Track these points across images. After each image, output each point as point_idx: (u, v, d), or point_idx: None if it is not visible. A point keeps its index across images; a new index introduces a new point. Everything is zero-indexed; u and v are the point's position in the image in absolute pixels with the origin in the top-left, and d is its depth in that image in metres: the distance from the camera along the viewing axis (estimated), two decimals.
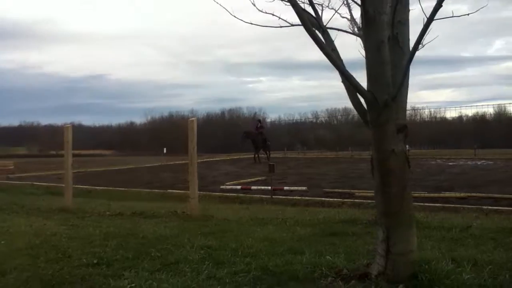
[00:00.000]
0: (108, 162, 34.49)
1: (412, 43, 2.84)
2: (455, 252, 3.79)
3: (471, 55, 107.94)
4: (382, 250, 3.04)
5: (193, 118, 6.90)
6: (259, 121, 30.89)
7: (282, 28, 3.30)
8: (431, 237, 4.66)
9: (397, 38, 2.99)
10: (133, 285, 3.12)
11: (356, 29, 3.47)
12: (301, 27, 2.92)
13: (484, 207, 8.77)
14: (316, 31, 2.94)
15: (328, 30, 3.44)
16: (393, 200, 2.97)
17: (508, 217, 6.77)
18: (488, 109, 72.45)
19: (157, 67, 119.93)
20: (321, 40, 2.80)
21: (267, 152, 27.97)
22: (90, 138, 69.30)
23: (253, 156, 27.29)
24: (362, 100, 3.04)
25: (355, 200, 10.23)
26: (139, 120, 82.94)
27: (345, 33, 3.50)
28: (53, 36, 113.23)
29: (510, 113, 69.37)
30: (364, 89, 2.87)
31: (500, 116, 75.12)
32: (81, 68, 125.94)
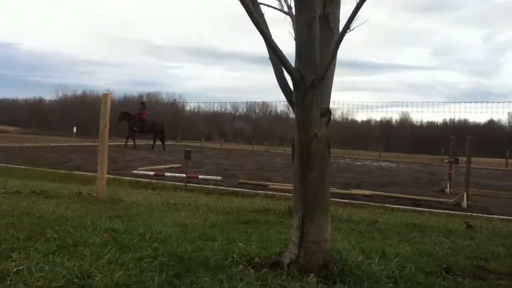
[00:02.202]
0: (11, 139, 31.90)
1: (342, 25, 2.79)
2: (364, 244, 3.86)
3: (383, 62, 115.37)
4: (296, 237, 2.97)
5: (107, 92, 6.44)
6: (142, 103, 28.41)
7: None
8: (341, 229, 4.75)
9: (327, 18, 2.91)
10: (21, 267, 2.75)
11: (286, 8, 3.36)
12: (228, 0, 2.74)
13: (387, 205, 9.24)
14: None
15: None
16: (311, 186, 2.91)
17: (410, 215, 7.16)
18: (394, 115, 77.69)
19: (74, 41, 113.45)
20: (251, 7, 2.62)
21: (155, 139, 26.23)
22: None
23: (152, 143, 26.13)
24: (288, 80, 2.94)
25: (269, 192, 10.32)
26: (48, 96, 77.85)
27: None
28: None
29: (413, 121, 75.20)
30: (292, 66, 2.77)
31: (404, 123, 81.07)
32: None
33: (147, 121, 25.68)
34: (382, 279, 2.83)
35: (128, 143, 25.63)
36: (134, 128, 25.20)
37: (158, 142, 26.31)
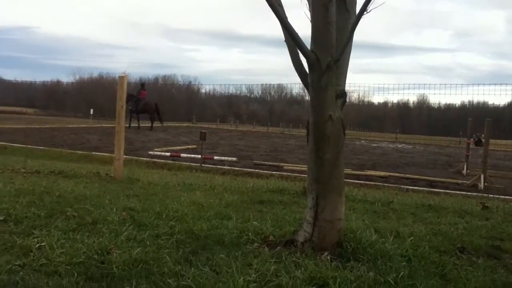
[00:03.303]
0: (29, 120, 32.39)
1: (359, 7, 2.76)
2: (378, 224, 3.88)
3: (402, 44, 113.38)
4: (310, 217, 3.00)
5: (124, 75, 6.49)
6: (142, 85, 28.03)
7: None
8: (355, 209, 4.76)
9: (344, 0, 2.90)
10: (42, 244, 2.84)
11: None
12: None
13: (403, 186, 9.20)
14: None
15: None
16: (326, 167, 2.93)
17: (425, 196, 7.13)
18: (411, 97, 76.71)
19: (91, 24, 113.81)
20: None
21: (152, 118, 25.98)
22: (10, 94, 64.34)
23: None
24: (304, 62, 2.94)
25: (283, 173, 10.36)
26: (66, 79, 78.33)
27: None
28: None
29: (430, 103, 74.30)
30: (307, 49, 2.77)
31: (421, 105, 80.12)
32: (7, 19, 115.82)
33: (142, 101, 25.63)
34: (395, 257, 2.85)
35: (140, 125, 25.81)
36: (130, 108, 25.20)
37: (158, 124, 26.38)
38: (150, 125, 25.91)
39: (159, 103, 27.15)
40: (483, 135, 14.92)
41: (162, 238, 3.15)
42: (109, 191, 4.91)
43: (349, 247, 2.95)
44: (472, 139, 14.44)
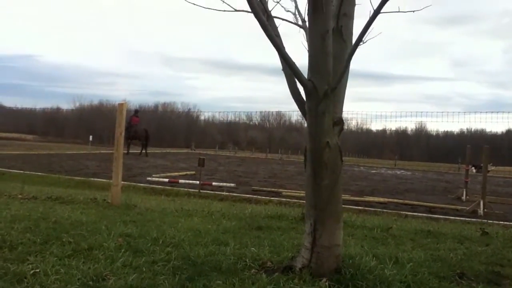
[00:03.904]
0: (28, 146, 32.41)
1: (355, 38, 2.81)
2: (377, 250, 3.84)
3: (400, 73, 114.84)
4: (308, 243, 2.98)
5: (123, 102, 6.54)
6: (135, 111, 27.97)
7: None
8: (354, 235, 4.73)
9: (341, 30, 2.97)
10: (37, 270, 2.81)
11: (300, 21, 3.41)
12: (243, 15, 2.83)
13: (402, 212, 9.15)
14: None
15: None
16: (323, 193, 2.92)
17: (424, 222, 7.09)
18: (410, 124, 77.41)
19: (93, 53, 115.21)
20: (266, 22, 2.69)
21: (143, 145, 26.24)
22: (10, 120, 64.65)
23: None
24: (301, 90, 2.98)
25: (282, 199, 10.31)
26: (66, 106, 78.95)
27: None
28: None
29: (428, 130, 74.86)
30: (304, 77, 2.81)
31: (419, 132, 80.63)
32: (12, 47, 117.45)
33: (133, 128, 25.71)
34: (394, 283, 2.82)
35: (143, 151, 25.89)
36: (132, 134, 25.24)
37: (150, 150, 26.39)
38: (145, 152, 25.93)
39: (159, 130, 27.26)
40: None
41: (159, 264, 3.12)
42: (105, 217, 4.88)
43: (347, 273, 2.91)
44: (471, 166, 14.47)
